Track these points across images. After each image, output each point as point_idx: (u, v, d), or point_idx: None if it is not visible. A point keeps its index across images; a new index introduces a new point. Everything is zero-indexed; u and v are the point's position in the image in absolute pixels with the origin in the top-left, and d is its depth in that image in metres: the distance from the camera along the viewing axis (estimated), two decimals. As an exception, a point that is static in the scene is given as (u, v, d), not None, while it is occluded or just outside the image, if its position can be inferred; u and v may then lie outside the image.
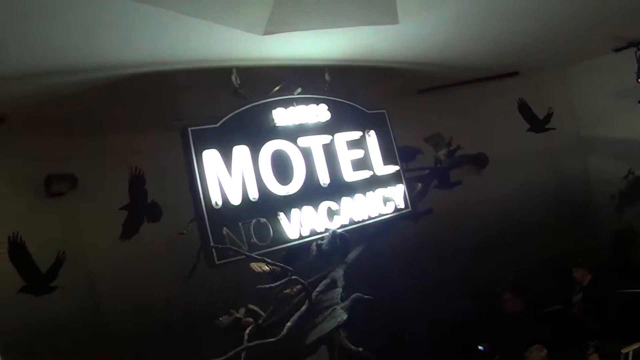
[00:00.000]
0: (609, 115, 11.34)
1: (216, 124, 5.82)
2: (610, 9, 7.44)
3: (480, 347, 8.82)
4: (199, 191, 5.54)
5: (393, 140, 7.29)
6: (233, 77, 6.22)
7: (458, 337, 9.23)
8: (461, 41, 7.45)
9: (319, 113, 6.54)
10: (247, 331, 5.71)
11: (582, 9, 7.10)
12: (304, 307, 5.85)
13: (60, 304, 7.01)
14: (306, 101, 6.47)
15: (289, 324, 5.63)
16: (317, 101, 6.56)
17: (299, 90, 6.51)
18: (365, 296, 5.81)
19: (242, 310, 6.08)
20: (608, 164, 11.70)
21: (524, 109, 9.75)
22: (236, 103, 6.10)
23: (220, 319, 6.00)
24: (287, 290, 6.06)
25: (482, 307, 9.56)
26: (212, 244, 5.42)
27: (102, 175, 7.77)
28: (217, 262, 5.44)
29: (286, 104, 6.31)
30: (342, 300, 5.88)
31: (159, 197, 6.67)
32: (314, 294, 5.96)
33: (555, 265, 10.47)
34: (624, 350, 7.41)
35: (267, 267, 5.87)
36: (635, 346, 7.44)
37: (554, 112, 9.77)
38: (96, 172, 7.85)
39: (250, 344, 5.39)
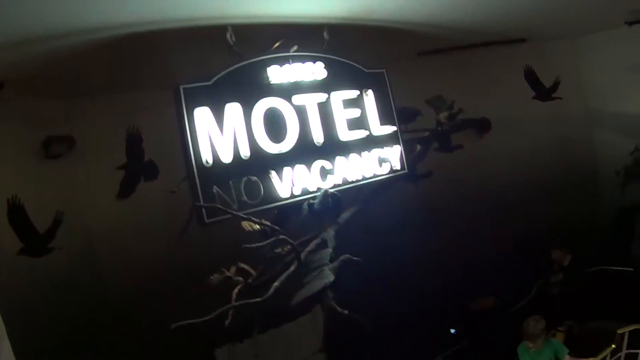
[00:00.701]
0: (619, 89, 11.20)
1: (209, 81, 5.71)
2: None
3: (452, 331, 8.94)
4: (189, 149, 5.48)
5: (392, 100, 7.14)
6: (228, 35, 6.03)
7: (450, 301, 9.29)
8: (467, 3, 7.25)
9: (316, 71, 6.39)
10: (236, 290, 5.69)
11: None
12: (292, 267, 5.81)
13: (59, 265, 7.03)
14: (302, 59, 6.33)
15: (276, 283, 5.61)
16: (314, 59, 6.41)
17: (295, 48, 6.36)
18: (354, 258, 5.78)
19: (233, 269, 6.02)
20: (615, 139, 11.61)
21: (530, 77, 9.60)
22: (230, 61, 5.98)
23: (211, 277, 5.94)
24: (278, 250, 6.01)
25: (475, 274, 9.63)
26: (201, 202, 5.36)
27: (100, 136, 7.72)
28: (206, 221, 5.38)
29: (282, 61, 6.17)
30: (332, 261, 5.86)
31: (155, 156, 6.63)
32: (304, 254, 5.93)
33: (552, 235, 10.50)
34: (619, 331, 7.43)
35: (257, 226, 5.77)
36: (631, 327, 7.47)
37: (561, 82, 9.64)
38: (94, 133, 7.79)
39: (236, 303, 5.37)
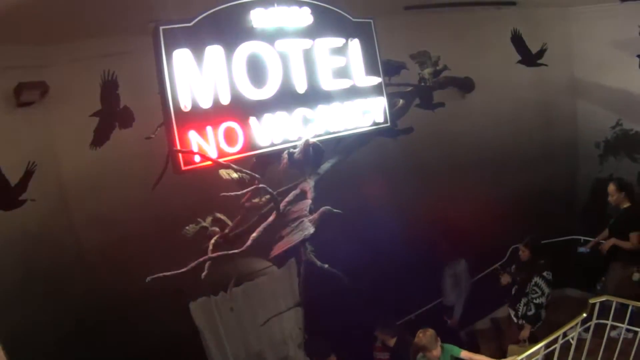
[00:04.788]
0: (606, 63, 11.11)
1: (189, 23, 5.32)
2: None
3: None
4: (167, 93, 5.09)
5: (377, 51, 6.82)
6: None
7: (429, 255, 9.26)
8: None
9: (301, 16, 6.04)
10: (213, 241, 5.46)
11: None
12: (271, 218, 5.57)
13: (32, 217, 6.86)
14: (288, 3, 5.95)
15: (254, 234, 5.35)
16: (300, 4, 6.04)
17: None
18: (335, 210, 5.49)
19: (210, 219, 5.81)
20: (598, 111, 11.59)
21: (517, 41, 9.71)
22: (213, 2, 5.57)
23: (187, 227, 5.74)
24: (256, 200, 5.76)
25: (450, 230, 9.76)
26: (178, 148, 5.05)
27: (75, 82, 7.34)
28: (183, 168, 5.09)
29: (266, 4, 5.78)
30: (311, 212, 5.59)
31: (131, 103, 6.34)
32: (283, 204, 5.68)
33: (530, 200, 10.70)
34: (591, 301, 7.65)
35: (235, 175, 5.50)
36: (602, 298, 7.70)
37: (547, 49, 9.60)
38: (69, 79, 7.37)
39: (213, 255, 5.13)
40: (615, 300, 7.63)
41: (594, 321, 7.72)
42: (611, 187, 8.97)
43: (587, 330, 7.83)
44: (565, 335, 7.45)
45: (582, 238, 10.85)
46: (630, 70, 10.64)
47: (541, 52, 10.45)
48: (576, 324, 7.57)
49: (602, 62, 11.13)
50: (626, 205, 8.85)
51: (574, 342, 7.65)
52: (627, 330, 7.74)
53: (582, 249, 9.55)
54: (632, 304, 7.50)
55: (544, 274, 8.31)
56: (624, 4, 9.94)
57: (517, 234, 9.60)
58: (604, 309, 7.77)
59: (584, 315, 7.60)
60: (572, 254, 10.37)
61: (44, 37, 6.99)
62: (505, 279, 8.90)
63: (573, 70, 11.60)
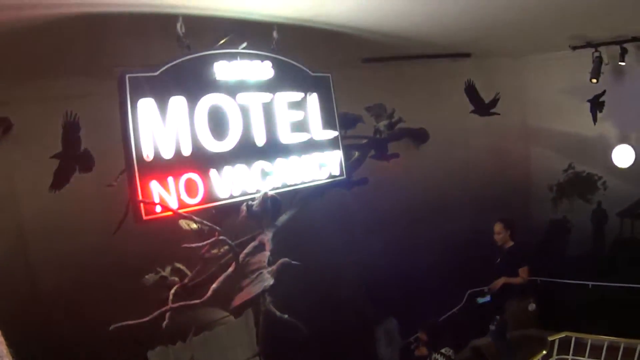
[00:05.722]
0: (558, 109, 11.58)
1: (155, 72, 5.40)
2: (573, 8, 7.37)
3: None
4: (130, 142, 5.14)
5: (335, 105, 7.00)
6: (178, 26, 5.74)
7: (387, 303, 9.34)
8: (417, 14, 7.15)
9: (262, 70, 6.19)
10: (173, 291, 5.48)
11: (547, 2, 6.97)
12: (230, 269, 5.63)
13: None
14: (250, 57, 6.11)
15: (214, 285, 5.42)
16: (262, 58, 6.21)
17: (244, 45, 6.14)
18: (293, 262, 5.61)
19: (169, 269, 5.86)
20: (550, 156, 12.07)
21: (471, 91, 9.89)
22: (178, 53, 5.69)
23: (147, 276, 5.79)
24: (215, 251, 5.82)
25: (407, 276, 9.79)
26: (140, 197, 5.07)
27: (38, 121, 7.34)
28: (144, 218, 5.10)
29: (230, 57, 5.94)
30: (270, 264, 5.65)
31: (93, 146, 6.36)
32: (242, 256, 5.73)
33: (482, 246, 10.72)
34: (550, 338, 7.96)
35: (195, 225, 5.57)
36: (561, 334, 7.97)
37: (500, 98, 9.87)
38: (32, 118, 7.36)
39: (174, 305, 5.18)
40: (574, 336, 7.86)
41: (555, 357, 8.00)
42: (498, 226, 9.13)
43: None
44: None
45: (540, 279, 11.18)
46: (581, 115, 11.08)
47: (494, 101, 10.72)
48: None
49: (553, 108, 11.59)
50: (510, 244, 9.06)
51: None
52: None
53: (481, 299, 9.73)
54: (591, 337, 7.78)
55: (443, 350, 8.49)
56: (576, 51, 10.30)
57: (475, 281, 9.83)
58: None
59: (544, 352, 7.88)
60: (473, 306, 10.28)
61: (9, 73, 6.95)
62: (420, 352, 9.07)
63: (526, 117, 12.06)
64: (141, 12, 5.67)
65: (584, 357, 7.80)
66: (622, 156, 11.03)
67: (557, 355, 7.98)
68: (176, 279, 5.74)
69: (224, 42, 6.18)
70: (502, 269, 8.97)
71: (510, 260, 8.93)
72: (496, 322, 9.17)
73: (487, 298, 9.21)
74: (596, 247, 11.79)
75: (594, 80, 10.22)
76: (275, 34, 6.50)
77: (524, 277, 8.85)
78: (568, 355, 7.94)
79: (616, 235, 9.96)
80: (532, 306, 9.27)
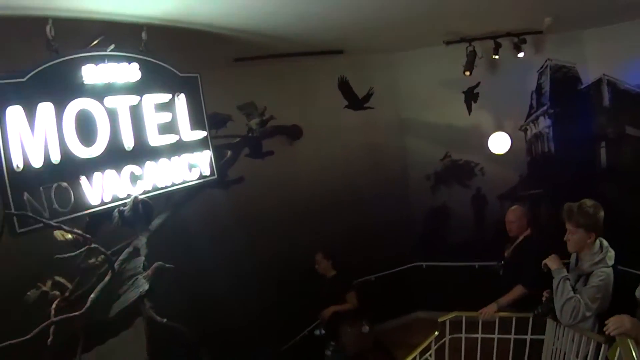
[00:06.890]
0: (433, 101, 12.77)
1: (23, 78, 5.59)
2: (449, 5, 8.21)
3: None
4: (0, 152, 5.32)
5: (203, 105, 7.45)
6: (48, 28, 5.93)
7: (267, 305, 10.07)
8: (286, 14, 7.64)
9: (130, 72, 6.50)
10: (54, 305, 5.71)
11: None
12: (107, 278, 5.92)
13: None
14: (118, 59, 6.38)
15: (92, 295, 5.70)
16: (130, 60, 6.50)
17: (112, 47, 6.39)
18: (167, 265, 6.01)
19: (49, 283, 6.00)
20: (426, 147, 13.21)
21: (344, 87, 10.67)
22: (47, 57, 5.89)
23: (28, 293, 5.89)
24: (92, 260, 6.07)
25: (288, 278, 10.64)
26: (12, 210, 5.27)
27: None
28: (18, 231, 5.30)
29: (97, 60, 6.18)
30: (145, 269, 6.03)
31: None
32: (117, 263, 6.04)
33: (365, 240, 11.68)
34: (440, 319, 8.60)
35: (69, 236, 5.79)
36: (452, 315, 8.65)
37: (374, 93, 10.68)
38: None
39: (55, 319, 5.41)
40: (464, 315, 8.61)
41: (448, 337, 8.65)
42: (319, 256, 10.31)
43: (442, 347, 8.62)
44: (422, 354, 8.32)
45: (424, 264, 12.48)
46: (456, 107, 12.44)
47: (368, 96, 11.56)
48: (430, 342, 8.50)
49: (428, 100, 12.67)
50: (332, 273, 10.22)
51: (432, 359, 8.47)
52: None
53: (317, 331, 10.56)
54: (476, 315, 8.55)
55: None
56: (449, 46, 11.37)
57: (362, 271, 11.09)
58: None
59: (437, 333, 8.57)
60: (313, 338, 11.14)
61: None
62: None
63: (400, 111, 13.01)
64: (7, 15, 5.84)
65: (477, 334, 8.54)
66: (498, 143, 12.21)
67: (449, 335, 8.68)
68: (57, 292, 5.92)
69: (94, 45, 6.39)
70: (329, 298, 10.08)
71: (334, 290, 10.06)
72: (332, 347, 10.25)
73: (322, 330, 10.25)
74: (478, 230, 13.16)
75: (467, 73, 11.26)
76: (144, 35, 6.84)
77: (353, 303, 10.06)
78: (461, 333, 8.66)
79: (498, 217, 11.02)
80: (365, 328, 10.26)
